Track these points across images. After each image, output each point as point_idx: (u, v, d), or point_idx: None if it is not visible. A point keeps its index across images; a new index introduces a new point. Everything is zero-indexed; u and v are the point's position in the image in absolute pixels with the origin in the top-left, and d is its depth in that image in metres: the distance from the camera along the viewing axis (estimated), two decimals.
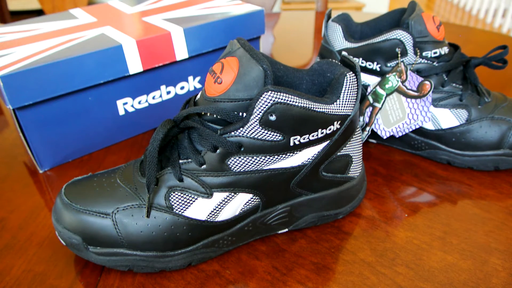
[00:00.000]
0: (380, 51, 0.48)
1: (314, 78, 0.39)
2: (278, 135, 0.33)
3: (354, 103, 0.36)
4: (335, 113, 0.35)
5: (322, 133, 0.35)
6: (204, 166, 0.35)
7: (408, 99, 0.48)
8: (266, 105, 0.32)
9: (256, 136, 0.33)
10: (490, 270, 0.36)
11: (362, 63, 0.50)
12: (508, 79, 0.70)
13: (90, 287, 0.36)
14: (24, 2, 2.38)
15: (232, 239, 0.38)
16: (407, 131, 0.48)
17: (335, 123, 0.35)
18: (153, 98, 0.57)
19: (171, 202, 0.35)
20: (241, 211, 0.37)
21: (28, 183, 0.49)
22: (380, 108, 0.49)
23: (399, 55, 0.48)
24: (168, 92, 0.58)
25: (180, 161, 0.35)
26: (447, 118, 0.48)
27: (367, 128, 0.50)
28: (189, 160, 0.35)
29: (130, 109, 0.55)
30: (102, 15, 0.61)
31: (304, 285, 0.35)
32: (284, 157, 0.35)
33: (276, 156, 0.35)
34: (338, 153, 0.38)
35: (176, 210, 0.35)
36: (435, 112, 0.48)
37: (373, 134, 0.53)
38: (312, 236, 0.40)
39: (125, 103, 0.54)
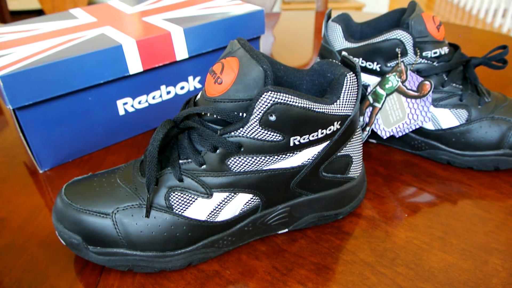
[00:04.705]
0: (380, 51, 0.48)
1: (314, 78, 0.39)
2: (278, 135, 0.33)
3: (354, 103, 0.36)
4: (335, 113, 0.35)
5: (322, 133, 0.35)
6: (204, 166, 0.35)
7: (408, 99, 0.48)
8: (266, 105, 0.32)
9: (256, 136, 0.33)
10: (490, 270, 0.36)
11: (362, 63, 0.50)
12: (508, 79, 0.70)
13: (90, 287, 0.36)
14: (24, 2, 2.37)
15: (232, 239, 0.38)
16: (407, 131, 0.48)
17: (335, 123, 0.35)
18: (153, 98, 0.57)
19: (171, 202, 0.35)
20: (241, 211, 0.37)
21: (28, 183, 0.49)
22: (380, 108, 0.49)
23: (399, 55, 0.48)
24: (168, 92, 0.58)
25: (180, 161, 0.35)
26: (447, 118, 0.48)
27: (367, 128, 0.50)
28: (189, 160, 0.35)
29: (130, 109, 0.55)
30: (102, 15, 0.61)
31: (304, 285, 0.35)
32: (284, 157, 0.35)
33: (276, 157, 0.35)
34: (338, 154, 0.38)
35: (176, 210, 0.35)
36: (435, 112, 0.48)
37: (373, 134, 0.53)
38: (312, 236, 0.40)
39: (125, 103, 0.54)
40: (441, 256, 0.38)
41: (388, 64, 0.49)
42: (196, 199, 0.35)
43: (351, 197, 0.41)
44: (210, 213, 0.35)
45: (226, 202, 0.36)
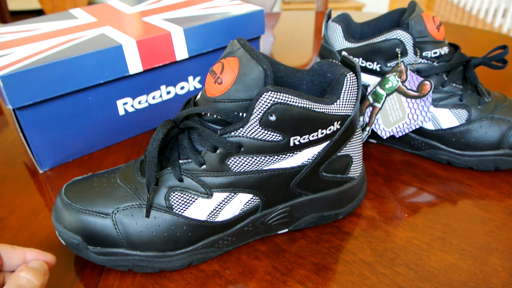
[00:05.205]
0: (380, 51, 0.48)
1: (314, 78, 0.39)
2: (278, 135, 0.33)
3: (354, 103, 0.36)
4: (335, 113, 0.35)
5: (322, 133, 0.35)
6: (204, 166, 0.35)
7: (408, 99, 0.48)
8: (266, 105, 0.32)
9: (256, 136, 0.33)
10: (490, 270, 0.36)
11: (362, 63, 0.50)
12: (508, 79, 0.70)
13: (90, 287, 0.36)
14: (24, 2, 2.37)
15: (232, 239, 0.38)
16: (407, 131, 0.48)
17: (335, 123, 0.35)
18: (153, 98, 0.57)
19: (171, 202, 0.35)
20: (241, 211, 0.37)
21: (28, 183, 0.49)
22: (380, 108, 0.49)
23: (399, 55, 0.48)
24: (168, 92, 0.58)
25: (180, 161, 0.35)
26: (447, 118, 0.48)
27: (367, 128, 0.50)
28: (189, 160, 0.35)
29: (130, 109, 0.55)
30: (102, 15, 0.61)
31: (304, 285, 0.35)
32: (284, 157, 0.35)
33: (276, 157, 0.35)
34: (338, 154, 0.38)
35: (176, 210, 0.35)
36: (435, 112, 0.48)
37: (373, 134, 0.53)
38: (312, 236, 0.40)
39: (125, 103, 0.54)
40: (441, 256, 0.38)
41: (388, 64, 0.49)
42: (196, 199, 0.35)
43: (351, 197, 0.41)
44: (210, 213, 0.35)
45: (226, 202, 0.36)
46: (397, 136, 0.49)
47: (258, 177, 0.35)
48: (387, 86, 0.48)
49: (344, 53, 0.38)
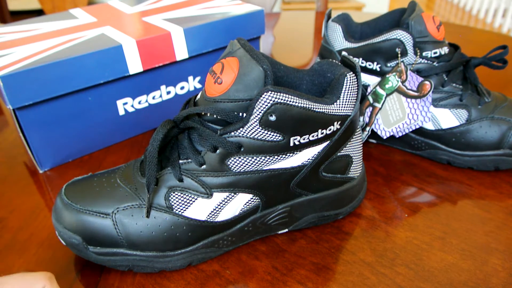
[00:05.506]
0: (380, 51, 0.48)
1: (314, 78, 0.39)
2: (278, 135, 0.33)
3: (354, 103, 0.36)
4: (335, 113, 0.35)
5: (322, 133, 0.35)
6: (204, 166, 0.35)
7: (408, 99, 0.48)
8: (266, 105, 0.32)
9: (256, 137, 0.33)
10: (490, 270, 0.36)
11: (362, 63, 0.50)
12: (508, 79, 0.70)
13: (90, 287, 0.36)
14: (24, 2, 2.37)
15: (232, 239, 0.38)
16: (407, 131, 0.48)
17: (335, 123, 0.35)
18: (153, 98, 0.57)
19: (171, 202, 0.35)
20: (241, 211, 0.37)
21: (28, 183, 0.49)
22: (380, 108, 0.49)
23: (399, 55, 0.48)
24: (168, 92, 0.58)
25: (180, 161, 0.35)
26: (447, 118, 0.48)
27: (367, 128, 0.50)
28: (189, 160, 0.35)
29: (130, 109, 0.55)
30: (102, 15, 0.61)
31: (304, 285, 0.35)
32: (284, 157, 0.35)
33: (276, 157, 0.35)
34: (338, 154, 0.38)
35: (176, 210, 0.35)
36: (435, 112, 0.48)
37: (373, 134, 0.53)
38: (312, 236, 0.40)
39: (125, 103, 0.54)
40: (441, 256, 0.38)
41: (388, 64, 0.49)
42: (196, 199, 0.35)
43: (351, 197, 0.41)
44: (210, 213, 0.35)
45: (226, 202, 0.36)
46: (397, 136, 0.49)
47: (258, 177, 0.35)
48: (387, 86, 0.48)
49: (344, 53, 0.38)
